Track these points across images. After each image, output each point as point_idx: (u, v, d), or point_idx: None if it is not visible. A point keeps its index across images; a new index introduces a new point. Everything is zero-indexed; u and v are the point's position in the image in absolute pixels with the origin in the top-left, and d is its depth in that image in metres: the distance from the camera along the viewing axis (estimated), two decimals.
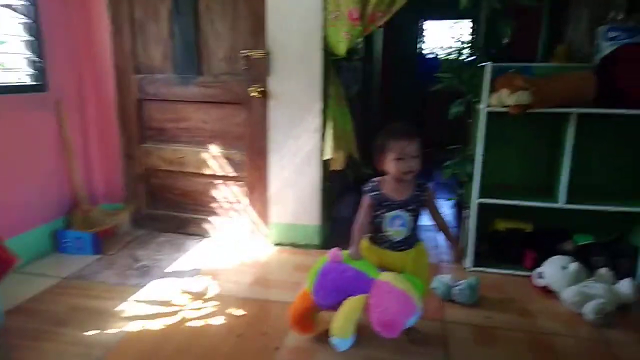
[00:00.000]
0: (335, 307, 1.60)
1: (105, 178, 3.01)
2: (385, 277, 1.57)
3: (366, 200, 1.70)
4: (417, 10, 6.16)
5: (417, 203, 1.69)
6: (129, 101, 2.81)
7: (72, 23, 2.71)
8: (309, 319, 1.78)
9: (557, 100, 2.14)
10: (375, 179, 1.72)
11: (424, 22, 6.56)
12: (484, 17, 2.27)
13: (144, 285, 2.30)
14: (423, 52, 6.53)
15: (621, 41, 2.24)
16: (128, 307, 2.09)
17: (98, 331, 1.89)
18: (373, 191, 1.69)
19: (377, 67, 5.24)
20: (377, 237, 1.73)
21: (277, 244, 2.77)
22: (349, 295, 1.57)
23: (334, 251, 1.68)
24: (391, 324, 1.47)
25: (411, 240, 1.73)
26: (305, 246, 2.73)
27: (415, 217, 1.71)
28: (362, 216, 1.71)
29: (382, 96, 6.18)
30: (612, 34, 2.27)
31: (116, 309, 2.07)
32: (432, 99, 2.66)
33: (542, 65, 2.43)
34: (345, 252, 1.70)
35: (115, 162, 2.95)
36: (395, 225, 1.68)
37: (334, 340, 1.51)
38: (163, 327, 1.93)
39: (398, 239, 1.70)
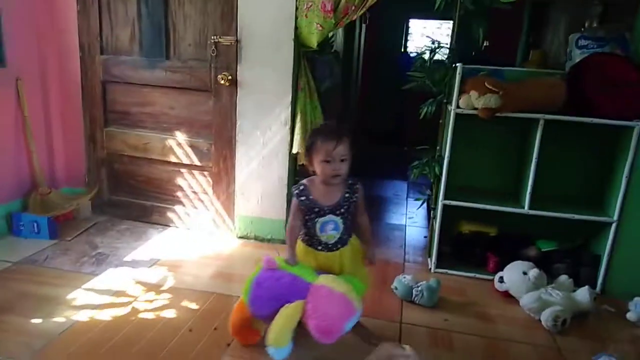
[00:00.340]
0: (273, 316, 1.52)
1: (66, 161, 2.91)
2: (323, 280, 1.52)
3: (295, 203, 1.64)
4: (404, 9, 6.16)
5: (348, 204, 1.63)
6: (94, 82, 2.71)
7: None
8: (250, 328, 1.72)
9: (527, 105, 2.14)
10: (304, 181, 1.65)
11: (409, 21, 6.57)
12: (458, 18, 2.24)
13: (99, 273, 2.23)
14: (407, 50, 6.52)
15: (591, 50, 2.25)
16: (79, 295, 2.03)
17: (44, 319, 1.82)
18: (301, 196, 1.61)
19: (356, 63, 5.21)
20: (312, 240, 1.67)
21: (241, 237, 2.72)
22: (287, 302, 1.50)
23: (267, 258, 1.61)
24: (330, 329, 1.43)
25: (345, 238, 1.68)
26: (271, 240, 2.68)
27: (348, 218, 1.66)
28: (292, 219, 1.65)
29: (362, 93, 6.16)
30: (582, 43, 2.27)
31: (67, 297, 2.00)
32: (412, 97, 2.62)
33: (513, 70, 2.42)
34: (280, 258, 1.65)
35: (78, 144, 2.85)
36: (327, 230, 1.63)
37: (270, 350, 1.46)
38: (112, 317, 1.88)
39: (332, 242, 1.65)
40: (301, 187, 1.62)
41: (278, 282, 1.56)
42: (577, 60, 2.27)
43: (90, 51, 2.67)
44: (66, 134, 2.86)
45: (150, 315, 1.90)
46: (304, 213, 1.63)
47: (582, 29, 2.58)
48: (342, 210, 1.63)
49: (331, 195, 1.62)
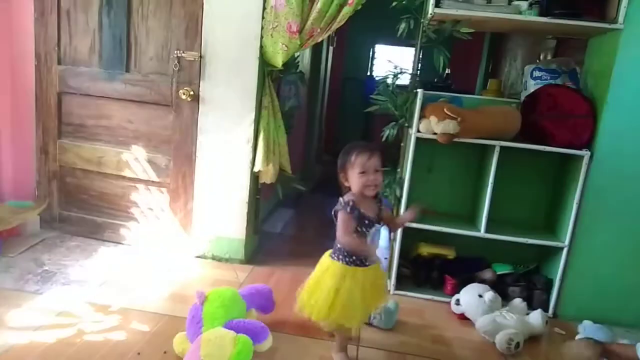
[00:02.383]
0: None
1: (15, 173, 2.76)
2: (205, 335, 1.59)
3: (345, 218, 1.62)
4: (371, 35, 6.33)
5: (380, 214, 1.71)
6: (49, 93, 2.61)
7: None
8: None
9: (483, 132, 2.20)
10: (346, 197, 1.65)
11: (375, 46, 6.75)
12: (420, 46, 2.30)
13: (43, 292, 2.11)
14: (374, 74, 6.68)
15: (545, 81, 2.35)
16: (20, 316, 1.90)
17: None
18: (353, 209, 1.62)
19: (322, 84, 5.27)
20: (354, 256, 1.66)
21: (198, 257, 2.64)
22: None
23: (198, 291, 1.74)
24: None
25: None
26: (229, 260, 2.62)
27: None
28: (347, 233, 1.62)
29: (329, 113, 6.23)
30: (537, 74, 2.38)
31: (5, 317, 1.87)
32: (378, 119, 2.67)
33: (471, 97, 2.50)
34: (211, 291, 1.78)
35: (29, 156, 2.72)
36: (376, 241, 1.70)
37: None
38: (55, 340, 1.77)
39: (374, 254, 1.70)
40: (350, 202, 1.62)
41: (192, 320, 1.72)
42: (532, 90, 2.37)
43: (47, 61, 2.58)
44: (16, 145, 2.72)
45: (96, 338, 1.80)
46: (356, 225, 1.64)
47: (538, 61, 2.72)
48: (380, 221, 1.70)
49: (371, 207, 1.67)
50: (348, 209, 1.61)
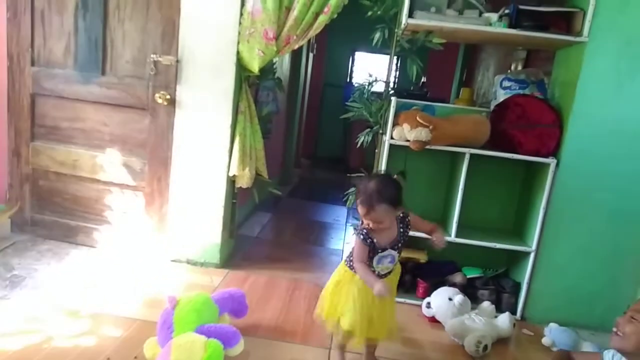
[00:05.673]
0: None
1: None
2: (175, 340, 1.60)
3: (360, 244, 1.64)
4: (350, 42, 6.40)
5: (404, 238, 1.70)
6: (22, 94, 2.57)
7: None
8: None
9: (454, 139, 2.26)
10: (365, 225, 1.65)
11: (354, 54, 6.83)
12: (395, 55, 2.35)
13: (11, 297, 2.07)
14: (353, 81, 6.75)
15: (514, 91, 2.43)
16: None
17: None
18: (367, 239, 1.63)
19: (302, 90, 5.30)
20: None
21: (173, 261, 2.63)
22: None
23: (169, 296, 1.75)
24: None
25: (394, 267, 1.74)
26: (204, 264, 2.62)
27: (402, 249, 1.71)
28: (361, 258, 1.64)
29: (308, 119, 6.27)
30: (506, 84, 2.45)
31: None
32: (356, 126, 2.71)
33: (443, 105, 2.56)
34: (182, 296, 1.78)
35: (0, 158, 2.67)
36: (384, 263, 1.68)
37: None
38: (22, 346, 1.73)
39: (384, 272, 1.71)
40: (365, 232, 1.63)
41: (163, 325, 1.72)
42: (501, 99, 2.44)
43: (20, 62, 2.54)
44: None
45: (65, 343, 1.78)
46: (369, 253, 1.65)
47: (509, 71, 2.80)
48: (400, 245, 1.69)
49: (389, 234, 1.66)
50: (361, 237, 1.64)
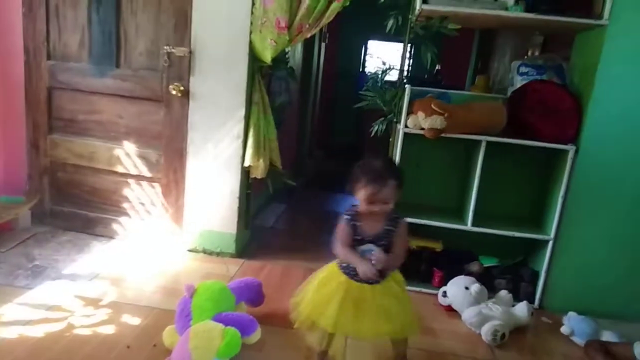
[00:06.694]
0: None
1: (5, 168, 2.76)
2: (193, 328, 1.61)
3: (342, 227, 1.58)
4: (363, 31, 6.33)
5: (388, 237, 1.58)
6: (38, 88, 2.61)
7: None
8: None
9: (470, 127, 2.23)
10: (356, 205, 1.59)
11: (368, 42, 6.76)
12: (409, 42, 2.32)
13: (34, 287, 2.12)
14: (366, 70, 6.69)
15: (531, 77, 2.38)
16: (9, 310, 1.92)
17: None
18: (352, 220, 1.57)
19: (315, 80, 5.27)
20: (349, 267, 1.60)
21: (190, 250, 2.66)
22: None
23: (187, 285, 1.77)
24: None
25: (383, 272, 1.57)
26: (220, 254, 2.64)
27: (389, 251, 1.58)
28: (345, 238, 1.57)
29: (322, 109, 6.24)
30: (523, 70, 2.40)
31: None
32: (370, 114, 2.68)
33: (458, 93, 2.52)
34: (200, 284, 1.80)
35: (19, 151, 2.72)
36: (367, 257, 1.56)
37: None
38: (45, 334, 1.78)
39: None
40: (353, 212, 1.58)
41: (182, 313, 1.74)
42: (518, 86, 2.39)
43: (36, 56, 2.57)
44: (6, 140, 2.72)
45: (86, 331, 1.82)
46: (351, 238, 1.58)
47: (525, 57, 2.73)
48: (383, 242, 1.57)
49: (374, 225, 1.58)
50: (346, 217, 1.58)
